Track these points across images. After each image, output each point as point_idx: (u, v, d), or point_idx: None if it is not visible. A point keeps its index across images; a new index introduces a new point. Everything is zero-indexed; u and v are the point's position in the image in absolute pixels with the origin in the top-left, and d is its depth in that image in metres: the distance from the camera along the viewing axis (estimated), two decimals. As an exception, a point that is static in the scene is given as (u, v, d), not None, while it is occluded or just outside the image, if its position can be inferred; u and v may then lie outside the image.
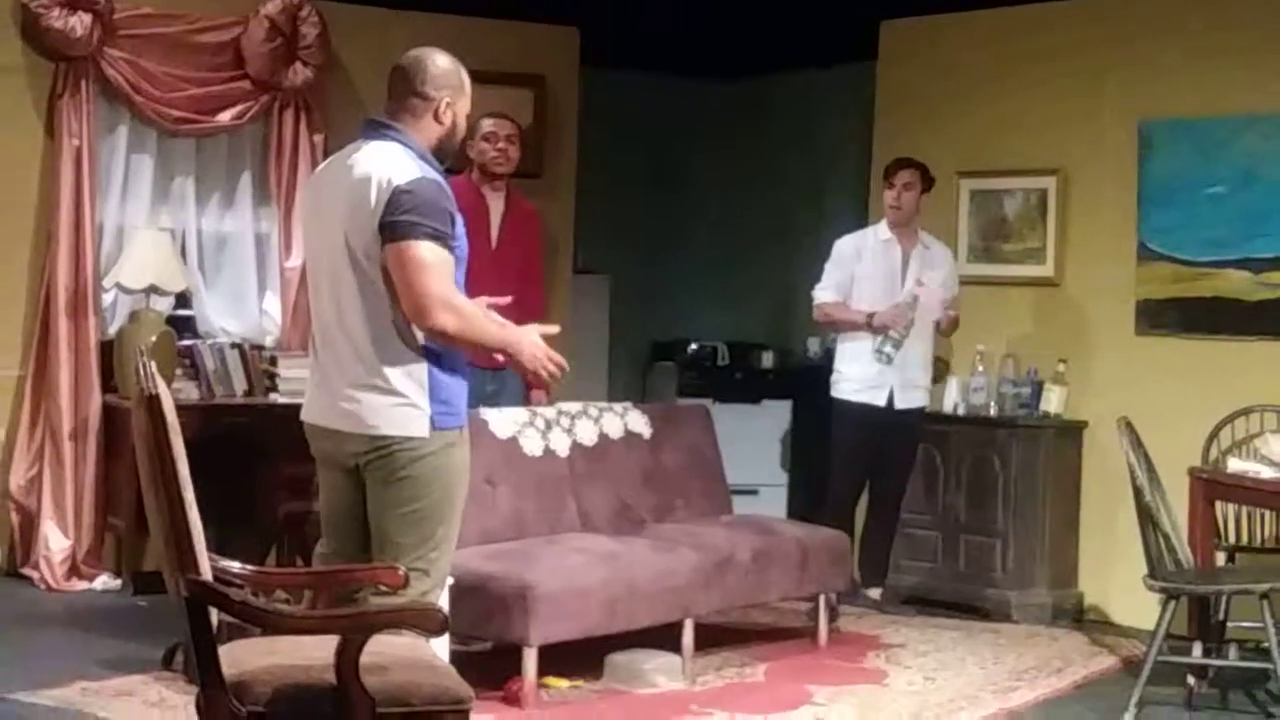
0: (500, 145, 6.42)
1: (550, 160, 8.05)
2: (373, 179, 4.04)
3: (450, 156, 4.30)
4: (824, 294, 7.05)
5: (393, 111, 4.22)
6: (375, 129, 4.22)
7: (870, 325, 6.88)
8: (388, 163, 4.07)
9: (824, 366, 7.34)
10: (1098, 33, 7.24)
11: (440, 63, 4.23)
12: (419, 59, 4.23)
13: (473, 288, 4.30)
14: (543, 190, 7.58)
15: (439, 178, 4.14)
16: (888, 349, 6.84)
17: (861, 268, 7.00)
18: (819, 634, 6.38)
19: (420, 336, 4.09)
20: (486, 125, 6.43)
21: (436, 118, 4.21)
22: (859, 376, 6.96)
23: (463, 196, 6.08)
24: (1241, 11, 6.81)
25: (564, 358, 4.25)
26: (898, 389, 6.96)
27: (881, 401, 6.95)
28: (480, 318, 4.15)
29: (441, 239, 4.03)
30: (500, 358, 4.31)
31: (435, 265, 4.00)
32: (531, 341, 4.22)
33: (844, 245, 7.10)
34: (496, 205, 6.45)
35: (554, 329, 4.34)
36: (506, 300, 4.43)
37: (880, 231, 7.07)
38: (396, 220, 3.99)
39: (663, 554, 5.77)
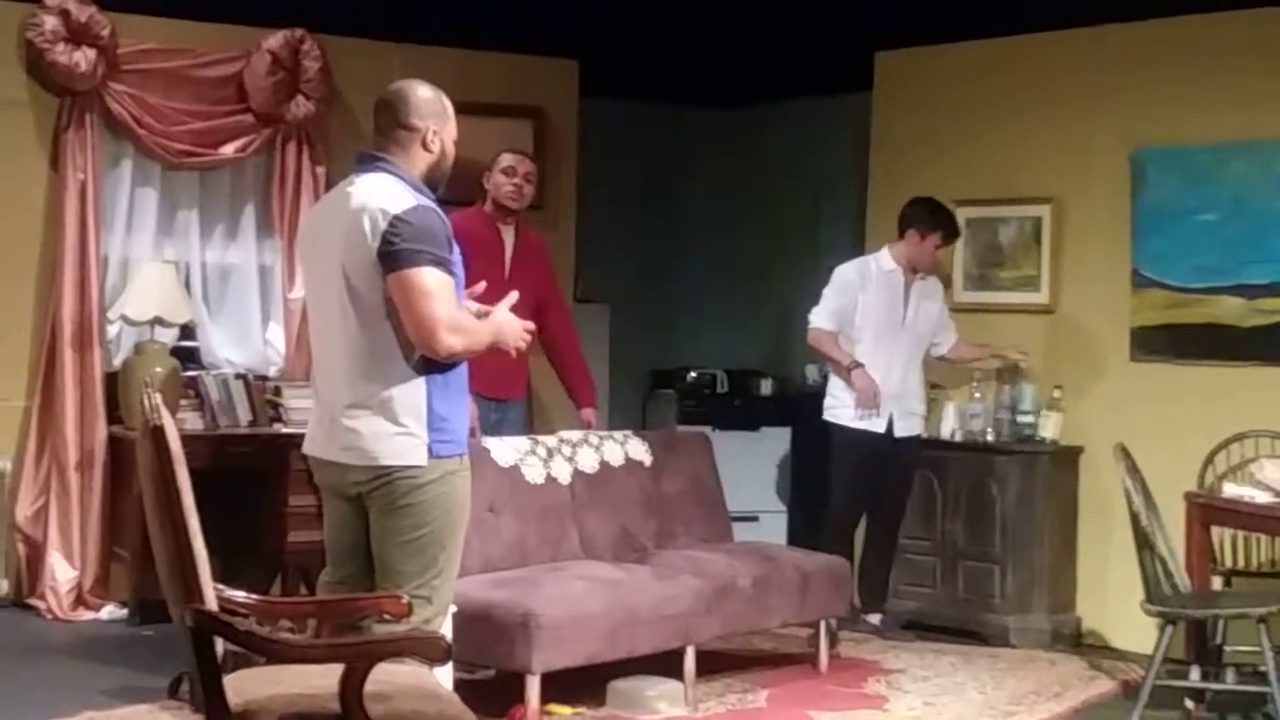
0: (517, 181, 6.45)
1: (549, 191, 8.10)
2: (368, 209, 4.09)
3: (441, 184, 4.34)
4: (822, 320, 7.07)
5: (381, 145, 4.27)
6: (368, 161, 4.27)
7: (849, 372, 6.95)
8: (382, 193, 4.13)
9: (821, 393, 7.34)
10: (1090, 62, 7.28)
11: (422, 93, 4.29)
12: (400, 91, 4.29)
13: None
14: (542, 221, 7.62)
15: (434, 205, 4.20)
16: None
17: (866, 296, 7.04)
18: (819, 659, 6.40)
19: (419, 366, 4.14)
20: (506, 160, 6.47)
21: (425, 146, 4.27)
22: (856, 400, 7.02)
23: (476, 228, 6.18)
24: (1233, 40, 6.85)
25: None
26: (897, 417, 7.03)
27: (881, 429, 7.01)
28: (478, 328, 4.21)
29: (442, 264, 4.09)
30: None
31: (438, 291, 4.06)
32: (508, 322, 4.31)
33: (848, 272, 7.12)
34: (509, 238, 6.48)
35: (513, 297, 4.38)
36: (481, 288, 4.45)
37: (884, 262, 7.09)
38: (398, 249, 4.04)
39: (664, 581, 5.80)
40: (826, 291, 7.10)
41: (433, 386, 4.17)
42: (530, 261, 6.54)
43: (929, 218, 7.04)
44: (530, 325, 4.40)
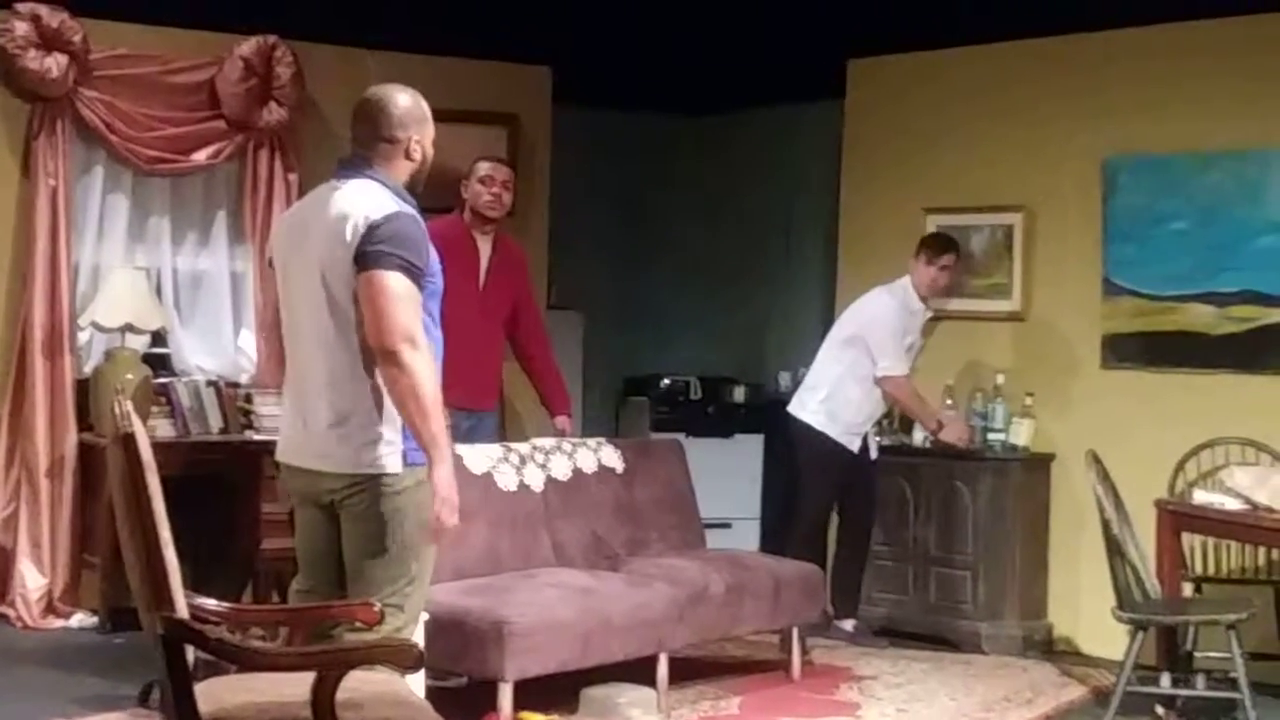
0: (495, 190, 6.44)
1: (523, 198, 8.07)
2: (351, 216, 4.08)
3: (420, 185, 4.32)
4: (902, 365, 7.07)
5: (363, 153, 4.25)
6: (350, 168, 4.25)
7: (936, 433, 7.11)
8: (365, 200, 4.12)
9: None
10: (1062, 70, 7.33)
11: (402, 102, 4.26)
12: (380, 103, 4.25)
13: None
14: (516, 227, 7.61)
15: (415, 213, 4.19)
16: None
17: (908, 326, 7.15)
18: (792, 666, 6.41)
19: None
20: (483, 168, 6.45)
21: (407, 156, 4.26)
22: (851, 422, 7.11)
23: (453, 237, 6.17)
24: (1205, 48, 6.89)
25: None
26: (870, 437, 7.20)
27: (855, 448, 7.14)
28: (433, 371, 4.11)
29: (412, 273, 4.07)
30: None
31: (403, 296, 4.04)
32: (451, 473, 4.13)
33: (899, 311, 7.09)
34: (485, 248, 6.47)
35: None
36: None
37: (912, 302, 7.13)
38: (370, 249, 4.03)
39: (637, 588, 5.81)
40: (886, 338, 7.03)
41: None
42: (506, 271, 6.53)
43: (924, 240, 7.19)
44: (456, 519, 4.13)
